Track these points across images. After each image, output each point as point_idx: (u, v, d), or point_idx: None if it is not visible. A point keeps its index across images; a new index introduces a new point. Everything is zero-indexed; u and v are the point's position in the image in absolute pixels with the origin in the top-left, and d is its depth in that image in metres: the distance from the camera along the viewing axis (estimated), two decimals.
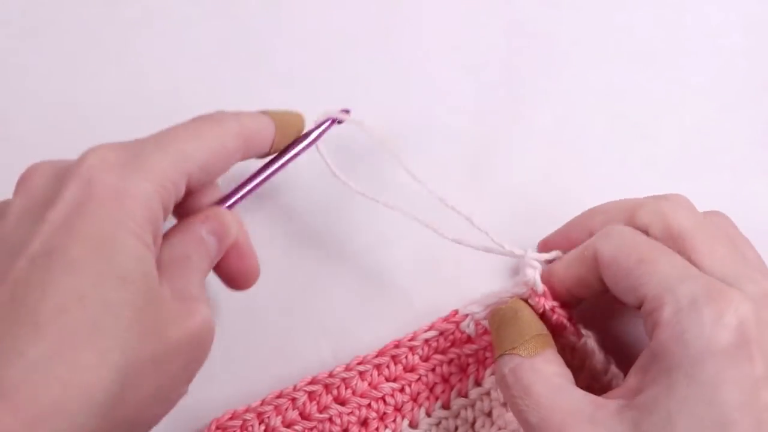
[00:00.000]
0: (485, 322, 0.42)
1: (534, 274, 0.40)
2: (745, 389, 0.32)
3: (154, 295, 0.32)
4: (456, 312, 0.42)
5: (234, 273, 0.39)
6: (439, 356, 0.42)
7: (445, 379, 0.43)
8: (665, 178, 0.48)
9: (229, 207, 0.40)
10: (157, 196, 0.33)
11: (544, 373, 0.36)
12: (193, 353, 0.34)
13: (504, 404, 0.42)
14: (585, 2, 0.51)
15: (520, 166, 0.48)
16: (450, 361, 0.42)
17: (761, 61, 0.51)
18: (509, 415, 0.42)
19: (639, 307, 0.36)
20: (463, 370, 0.43)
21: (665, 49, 0.51)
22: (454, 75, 0.50)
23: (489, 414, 0.43)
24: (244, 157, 0.38)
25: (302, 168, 0.45)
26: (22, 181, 0.34)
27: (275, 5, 0.50)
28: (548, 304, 0.40)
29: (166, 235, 0.36)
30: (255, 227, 0.46)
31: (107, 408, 0.29)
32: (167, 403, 0.35)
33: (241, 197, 0.40)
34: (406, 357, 0.42)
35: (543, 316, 0.40)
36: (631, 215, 0.39)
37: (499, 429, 0.42)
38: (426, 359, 0.42)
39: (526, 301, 0.40)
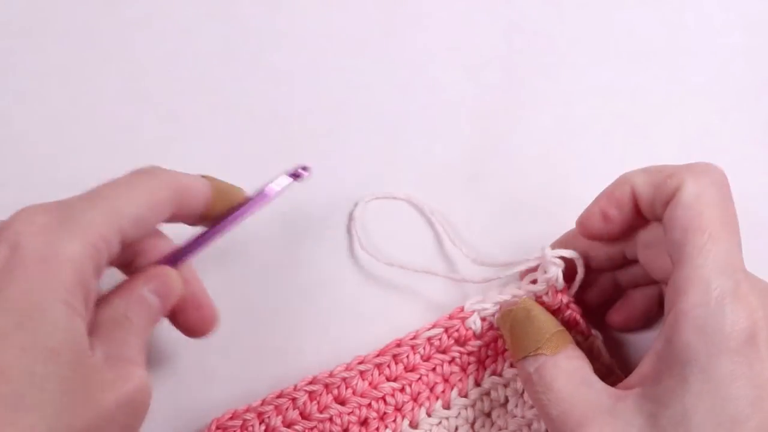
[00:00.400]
0: (491, 318, 0.42)
1: (557, 272, 0.40)
2: (757, 386, 0.33)
3: (84, 364, 0.31)
4: (461, 308, 0.42)
5: (190, 323, 0.39)
6: (440, 356, 0.42)
7: (446, 379, 0.42)
8: None
9: (180, 261, 0.38)
10: (89, 256, 0.32)
11: (566, 369, 0.37)
12: (128, 419, 0.32)
13: (504, 404, 0.42)
14: (585, 2, 0.51)
15: (519, 166, 0.49)
16: (451, 361, 0.42)
17: (761, 61, 0.51)
18: (509, 415, 0.42)
19: (667, 270, 0.37)
20: (463, 369, 0.43)
21: (665, 49, 0.51)
22: (454, 75, 0.50)
23: (489, 414, 0.43)
24: (177, 214, 0.37)
25: None
26: None
27: (275, 5, 0.50)
28: (565, 298, 0.41)
29: (108, 295, 0.35)
30: (255, 227, 0.46)
31: None
32: None
33: (192, 252, 0.39)
34: (408, 356, 0.42)
35: (556, 312, 0.41)
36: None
37: (500, 429, 0.42)
38: (427, 359, 0.42)
39: (537, 298, 0.41)
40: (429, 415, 0.42)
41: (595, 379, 0.37)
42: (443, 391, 0.42)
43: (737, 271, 0.35)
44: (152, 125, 0.48)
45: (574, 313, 0.42)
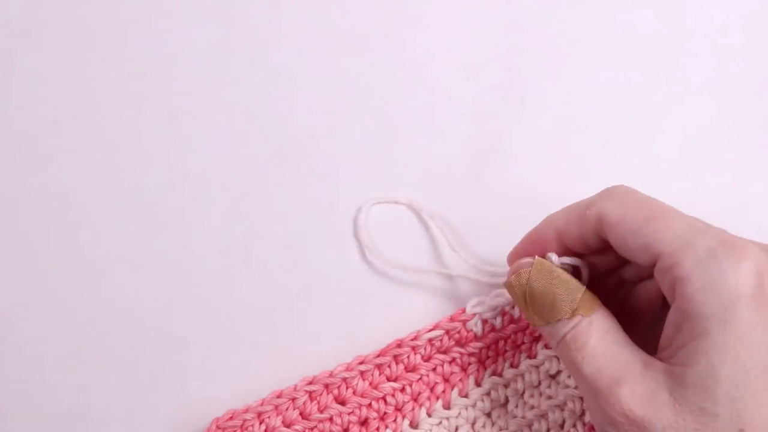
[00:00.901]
0: (493, 321, 0.42)
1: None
2: None
3: None
4: (463, 310, 0.42)
5: None
6: (440, 356, 0.42)
7: (446, 379, 0.42)
8: (665, 178, 0.48)
9: None
10: None
11: (601, 328, 0.37)
12: None
13: (504, 404, 0.42)
14: (585, 2, 0.51)
15: (519, 166, 0.48)
16: (451, 361, 0.42)
17: (761, 61, 0.51)
18: (509, 416, 0.42)
19: (651, 266, 0.36)
20: (464, 370, 0.43)
21: (665, 49, 0.51)
22: (454, 75, 0.50)
23: (489, 414, 0.43)
24: None
25: None
26: None
27: (275, 5, 0.50)
28: None
29: None
30: (255, 227, 0.46)
31: None
32: None
33: None
34: (408, 357, 0.42)
35: None
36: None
37: (500, 429, 0.42)
38: (427, 359, 0.42)
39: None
40: (429, 415, 0.42)
41: (627, 339, 0.37)
42: (444, 391, 0.42)
43: (710, 227, 0.35)
44: (152, 125, 0.48)
45: None
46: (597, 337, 0.36)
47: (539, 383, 0.43)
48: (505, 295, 0.42)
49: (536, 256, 0.39)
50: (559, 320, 0.37)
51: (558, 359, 0.43)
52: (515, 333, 0.42)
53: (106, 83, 0.48)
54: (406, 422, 0.42)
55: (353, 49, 0.50)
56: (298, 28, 0.50)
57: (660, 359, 0.35)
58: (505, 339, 0.42)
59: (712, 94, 0.50)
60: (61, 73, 0.48)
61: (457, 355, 0.42)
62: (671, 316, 0.35)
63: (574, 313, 0.37)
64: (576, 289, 0.38)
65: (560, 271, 0.38)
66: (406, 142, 0.49)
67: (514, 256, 0.41)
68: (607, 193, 0.38)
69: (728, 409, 0.32)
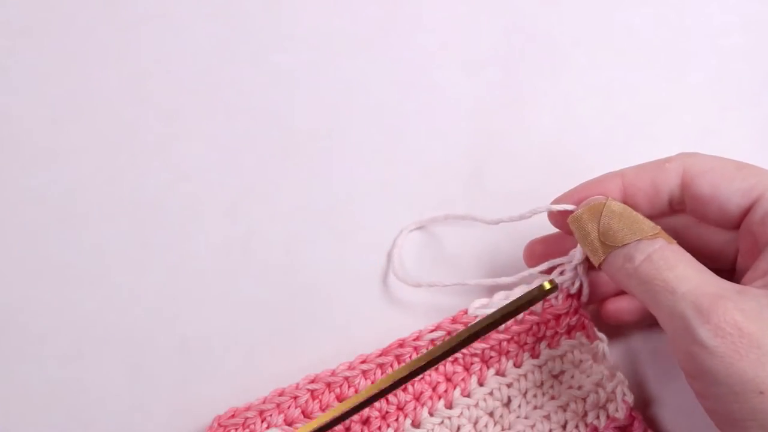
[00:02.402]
0: None
1: (573, 276, 0.41)
2: None
3: None
4: (465, 311, 0.42)
5: None
6: None
7: (448, 378, 0.42)
8: None
9: None
10: None
11: (687, 256, 0.37)
12: None
13: (506, 404, 0.42)
14: (585, 2, 0.51)
15: (520, 166, 0.48)
16: (454, 360, 0.42)
17: (761, 61, 0.51)
18: (512, 416, 0.42)
19: (738, 215, 0.37)
20: (466, 369, 0.42)
21: (665, 49, 0.51)
22: (454, 75, 0.50)
23: (492, 414, 0.42)
24: None
25: None
26: None
27: (275, 5, 0.50)
28: (575, 302, 0.41)
29: None
30: (255, 226, 0.46)
31: None
32: None
33: None
34: (410, 356, 0.42)
35: (564, 316, 0.41)
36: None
37: (502, 429, 0.42)
38: None
39: (545, 301, 0.41)
40: (431, 415, 0.42)
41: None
42: (446, 391, 0.42)
43: None
44: (152, 125, 0.48)
45: (582, 317, 0.42)
46: (687, 260, 0.36)
47: (542, 383, 0.42)
48: (509, 297, 0.42)
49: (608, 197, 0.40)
50: (639, 240, 0.37)
51: (561, 359, 0.43)
52: (518, 333, 0.42)
53: (106, 83, 0.48)
54: (408, 421, 0.42)
55: (353, 49, 0.50)
56: (298, 28, 0.50)
57: (752, 282, 0.35)
58: (508, 339, 0.42)
59: (712, 94, 0.50)
60: (61, 73, 0.49)
61: (459, 355, 0.42)
62: (763, 259, 0.36)
63: (656, 235, 0.37)
64: (651, 223, 0.38)
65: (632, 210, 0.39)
66: (406, 142, 0.49)
67: (568, 199, 0.41)
68: (685, 153, 0.39)
69: None
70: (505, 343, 0.42)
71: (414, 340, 0.42)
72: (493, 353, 0.42)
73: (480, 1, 0.51)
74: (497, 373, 0.42)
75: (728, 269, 0.40)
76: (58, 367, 0.43)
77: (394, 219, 0.47)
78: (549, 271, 0.42)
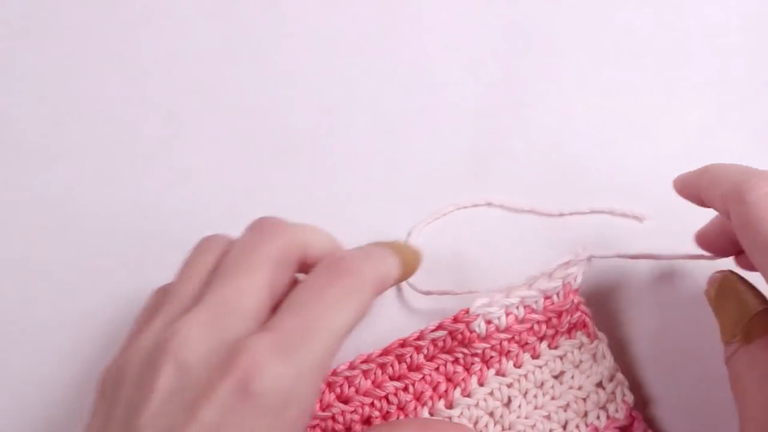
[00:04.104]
0: (497, 321, 0.41)
1: (577, 270, 0.41)
2: None
3: None
4: (466, 311, 0.42)
5: None
6: (443, 355, 0.42)
7: (449, 378, 0.42)
8: (665, 178, 0.48)
9: None
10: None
11: (761, 360, 0.34)
12: None
13: (507, 404, 0.42)
14: (585, 2, 0.51)
15: (520, 166, 0.48)
16: (455, 361, 0.42)
17: (761, 61, 0.51)
18: (512, 416, 0.42)
19: None
20: (467, 369, 0.42)
21: (665, 49, 0.51)
22: (454, 75, 0.50)
23: (492, 414, 0.42)
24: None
25: None
26: (178, 349, 0.29)
27: (275, 5, 0.50)
28: (576, 299, 0.41)
29: None
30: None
31: None
32: None
33: None
34: (411, 356, 0.42)
35: (565, 313, 0.41)
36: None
37: (503, 429, 0.42)
38: (431, 358, 0.42)
39: (546, 298, 0.41)
40: (432, 415, 0.42)
41: None
42: (446, 391, 0.42)
43: None
44: (152, 125, 0.48)
45: (583, 315, 0.42)
46: (749, 378, 0.34)
47: (542, 383, 0.42)
48: (510, 296, 0.42)
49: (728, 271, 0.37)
50: (727, 343, 0.36)
51: (561, 359, 0.43)
52: (519, 333, 0.42)
53: (106, 83, 0.48)
54: None
55: (353, 49, 0.50)
56: (298, 28, 0.50)
57: None
58: (509, 339, 0.42)
59: (712, 94, 0.50)
60: (61, 73, 0.49)
61: (460, 355, 0.42)
62: None
63: (730, 340, 0.35)
64: (746, 312, 0.35)
65: (744, 288, 0.36)
66: (406, 142, 0.49)
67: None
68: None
69: None
70: (505, 343, 0.42)
71: (416, 339, 0.42)
72: (493, 353, 0.42)
73: (480, 1, 0.51)
74: (497, 373, 0.42)
75: None
76: (58, 367, 0.43)
77: (394, 219, 0.47)
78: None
